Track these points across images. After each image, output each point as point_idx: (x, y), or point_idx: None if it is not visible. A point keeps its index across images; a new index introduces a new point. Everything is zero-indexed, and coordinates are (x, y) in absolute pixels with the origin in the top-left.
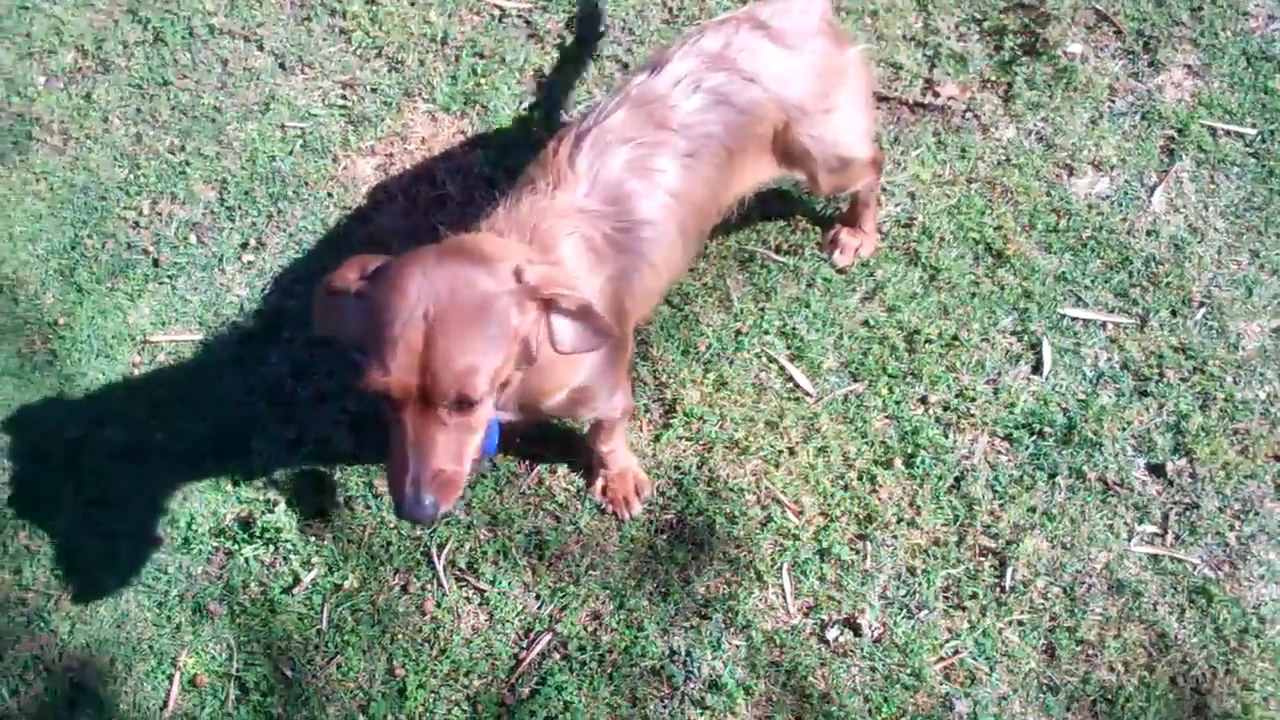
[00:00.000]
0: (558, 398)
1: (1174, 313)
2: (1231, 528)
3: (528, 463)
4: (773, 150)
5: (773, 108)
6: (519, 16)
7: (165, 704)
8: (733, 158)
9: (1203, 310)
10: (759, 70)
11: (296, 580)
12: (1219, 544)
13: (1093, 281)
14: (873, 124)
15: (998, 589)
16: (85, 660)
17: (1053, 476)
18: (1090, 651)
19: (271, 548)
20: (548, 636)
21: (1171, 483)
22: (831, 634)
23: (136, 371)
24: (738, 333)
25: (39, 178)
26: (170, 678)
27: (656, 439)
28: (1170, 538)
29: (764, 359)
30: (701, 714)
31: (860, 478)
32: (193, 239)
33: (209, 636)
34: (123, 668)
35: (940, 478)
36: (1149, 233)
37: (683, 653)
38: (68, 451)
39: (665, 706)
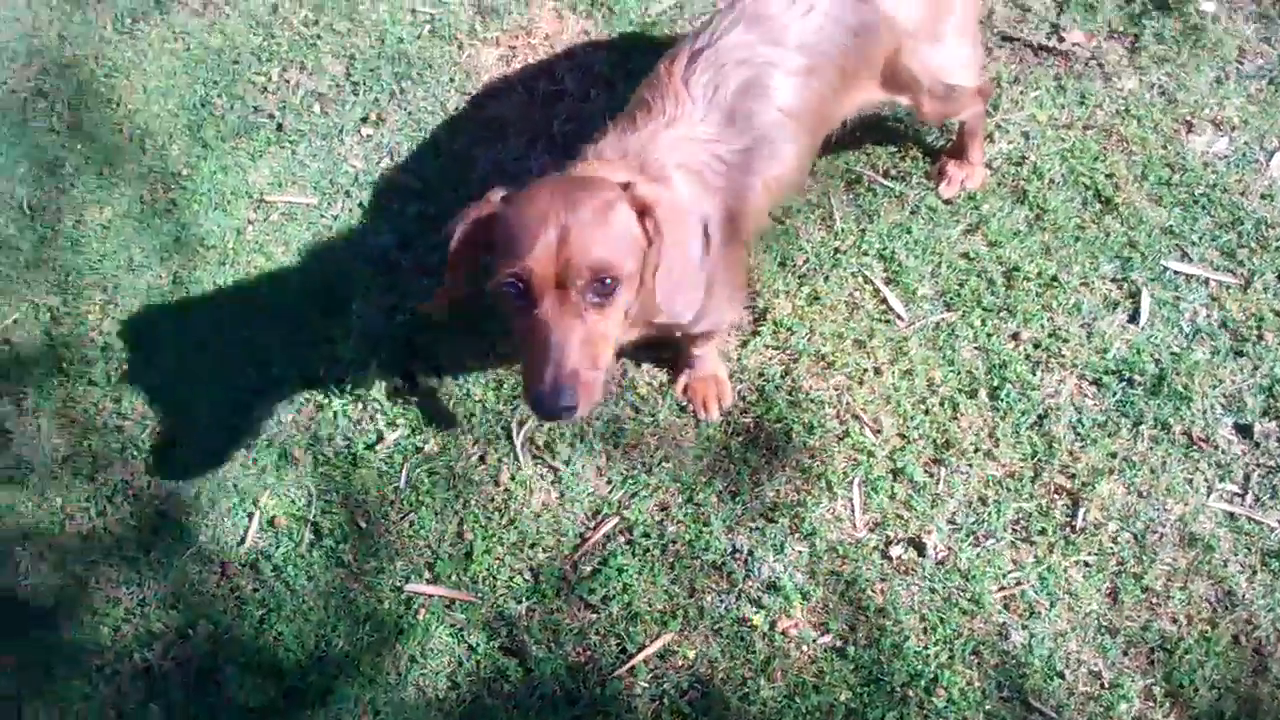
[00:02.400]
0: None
1: None
2: None
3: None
4: (881, 73)
5: (885, 31)
6: None
7: (243, 540)
8: (844, 78)
9: None
10: None
11: (380, 438)
12: None
13: (1200, 238)
14: (979, 54)
15: (1068, 528)
16: (172, 491)
17: (1137, 425)
18: (1154, 600)
19: (360, 405)
20: (615, 520)
21: (1258, 444)
22: (895, 551)
23: (250, 228)
24: (836, 250)
25: (177, 37)
26: (250, 516)
27: (744, 345)
28: (1250, 498)
29: (860, 279)
30: (757, 612)
31: (942, 404)
32: (317, 108)
33: (291, 481)
34: (206, 502)
35: (1024, 413)
36: (1264, 196)
37: (745, 552)
38: (177, 296)
39: (722, 601)
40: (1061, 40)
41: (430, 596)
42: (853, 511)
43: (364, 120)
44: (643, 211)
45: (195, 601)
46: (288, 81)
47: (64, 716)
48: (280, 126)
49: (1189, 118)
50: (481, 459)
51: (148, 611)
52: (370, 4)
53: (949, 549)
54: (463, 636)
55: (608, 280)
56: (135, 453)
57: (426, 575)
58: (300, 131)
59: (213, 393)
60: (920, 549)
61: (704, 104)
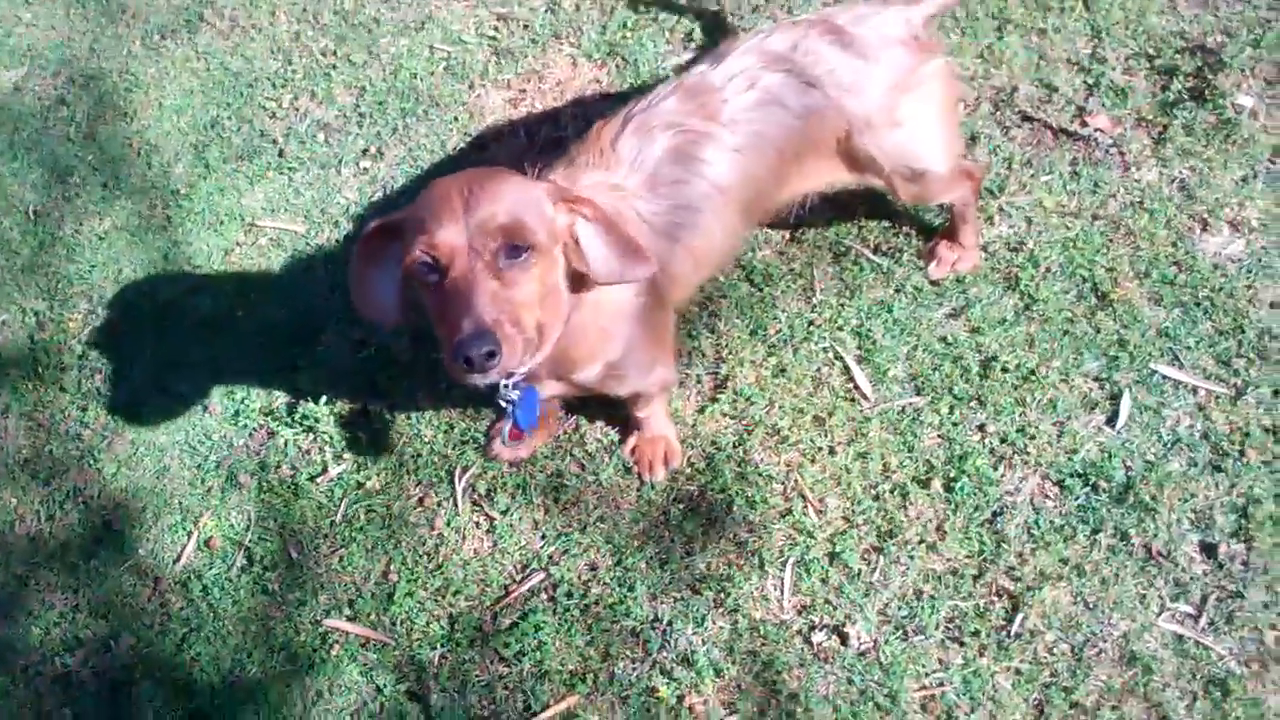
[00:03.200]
0: (592, 369)
1: (1276, 393)
2: (1273, 626)
3: (566, 409)
4: (838, 155)
5: (833, 115)
6: None
7: (179, 557)
8: (784, 159)
9: None
10: (822, 76)
11: (324, 470)
12: (1254, 640)
13: (1196, 343)
14: (955, 137)
15: (1003, 632)
16: (121, 503)
17: (1096, 532)
18: (1082, 717)
19: (310, 435)
20: (541, 575)
21: (1221, 565)
22: (818, 637)
23: (237, 250)
24: (811, 323)
25: (200, 56)
26: (189, 534)
27: (701, 410)
28: (1204, 621)
29: (830, 354)
30: (667, 684)
31: (893, 490)
32: (320, 137)
33: (233, 505)
34: (151, 516)
35: (977, 508)
36: (1274, 305)
37: (665, 621)
38: (157, 312)
39: (634, 669)
40: (1085, 124)
41: (346, 634)
42: (781, 592)
43: (364, 153)
44: (565, 203)
45: (124, 613)
46: (297, 109)
47: None
48: (282, 153)
49: (1205, 216)
50: (420, 501)
51: (78, 618)
52: (390, 38)
53: (874, 640)
54: (371, 676)
55: (520, 246)
56: (91, 461)
57: (347, 612)
58: (300, 159)
59: (174, 409)
60: (844, 637)
61: (628, 165)
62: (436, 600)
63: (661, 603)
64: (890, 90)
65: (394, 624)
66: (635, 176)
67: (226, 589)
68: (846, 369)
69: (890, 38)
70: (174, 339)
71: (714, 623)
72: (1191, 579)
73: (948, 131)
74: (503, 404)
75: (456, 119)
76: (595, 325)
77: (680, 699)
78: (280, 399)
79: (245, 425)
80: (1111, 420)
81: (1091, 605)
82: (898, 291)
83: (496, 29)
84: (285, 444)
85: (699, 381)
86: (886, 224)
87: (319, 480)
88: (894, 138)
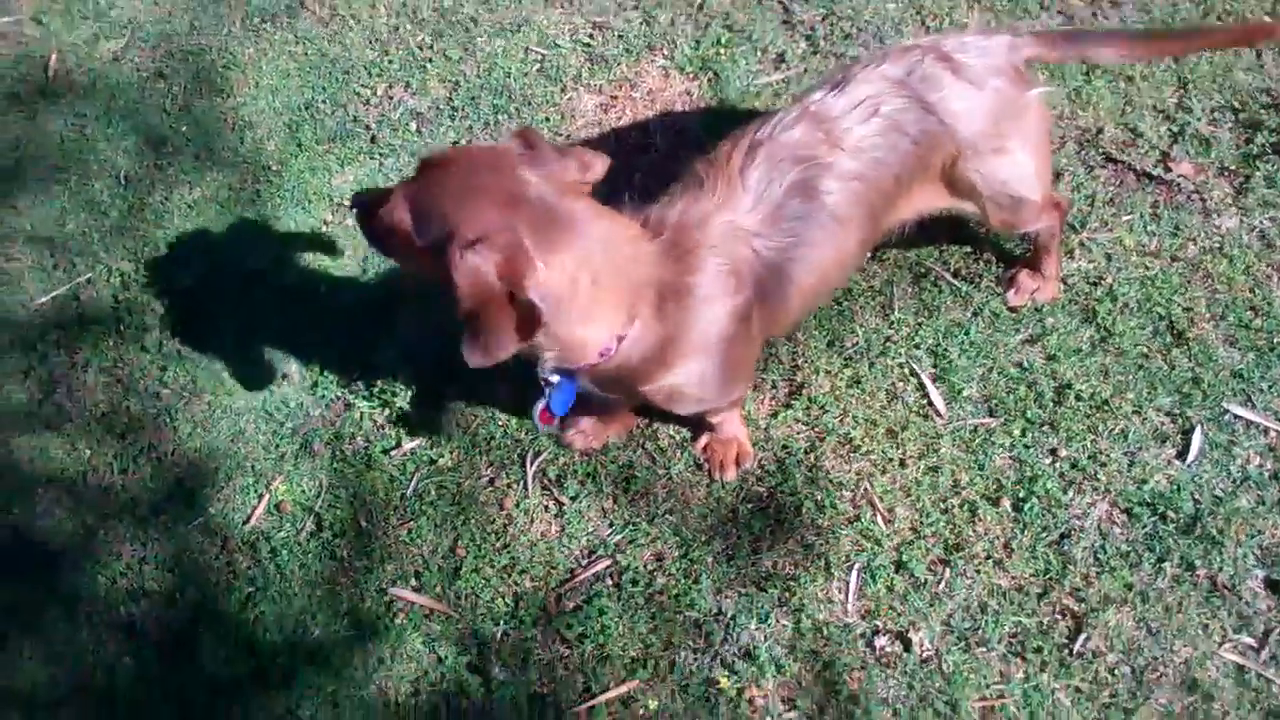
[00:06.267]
0: (655, 385)
1: None
2: None
3: (637, 410)
4: (941, 180)
5: (945, 140)
6: (779, 2)
7: (248, 519)
8: (899, 184)
9: None
10: (937, 102)
11: (398, 444)
12: None
13: (1270, 386)
14: (1047, 167)
15: (1066, 650)
16: (194, 462)
17: (1161, 561)
18: None
19: (385, 409)
20: (607, 561)
21: None
22: (880, 641)
23: (324, 228)
24: (888, 339)
25: (299, 41)
26: (260, 497)
27: (774, 415)
28: (1265, 654)
29: (906, 371)
30: (728, 676)
31: (962, 506)
32: (413, 126)
33: (305, 472)
34: (223, 477)
35: (1045, 529)
36: None
37: (728, 615)
38: (241, 281)
39: (695, 659)
40: (1168, 169)
41: (411, 603)
42: (846, 595)
43: (455, 144)
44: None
45: (190, 569)
46: (390, 98)
47: (45, 655)
48: (374, 139)
49: None
50: (491, 481)
51: (144, 570)
52: (487, 38)
53: (936, 649)
54: (434, 647)
55: None
56: (168, 420)
57: (413, 583)
58: (392, 146)
59: (253, 375)
60: (906, 644)
61: (754, 196)
62: (502, 578)
63: (726, 597)
64: (995, 118)
65: (459, 598)
66: (759, 210)
67: (295, 552)
68: (921, 386)
69: (995, 66)
70: (257, 309)
71: (777, 620)
72: (1255, 613)
73: (1043, 162)
74: (541, 383)
75: (548, 119)
76: (672, 344)
77: (740, 691)
78: (358, 373)
79: (323, 396)
80: (1182, 454)
81: (1154, 631)
82: (975, 315)
83: (592, 36)
84: (361, 417)
85: (774, 387)
86: (968, 250)
87: (392, 454)
88: (996, 164)
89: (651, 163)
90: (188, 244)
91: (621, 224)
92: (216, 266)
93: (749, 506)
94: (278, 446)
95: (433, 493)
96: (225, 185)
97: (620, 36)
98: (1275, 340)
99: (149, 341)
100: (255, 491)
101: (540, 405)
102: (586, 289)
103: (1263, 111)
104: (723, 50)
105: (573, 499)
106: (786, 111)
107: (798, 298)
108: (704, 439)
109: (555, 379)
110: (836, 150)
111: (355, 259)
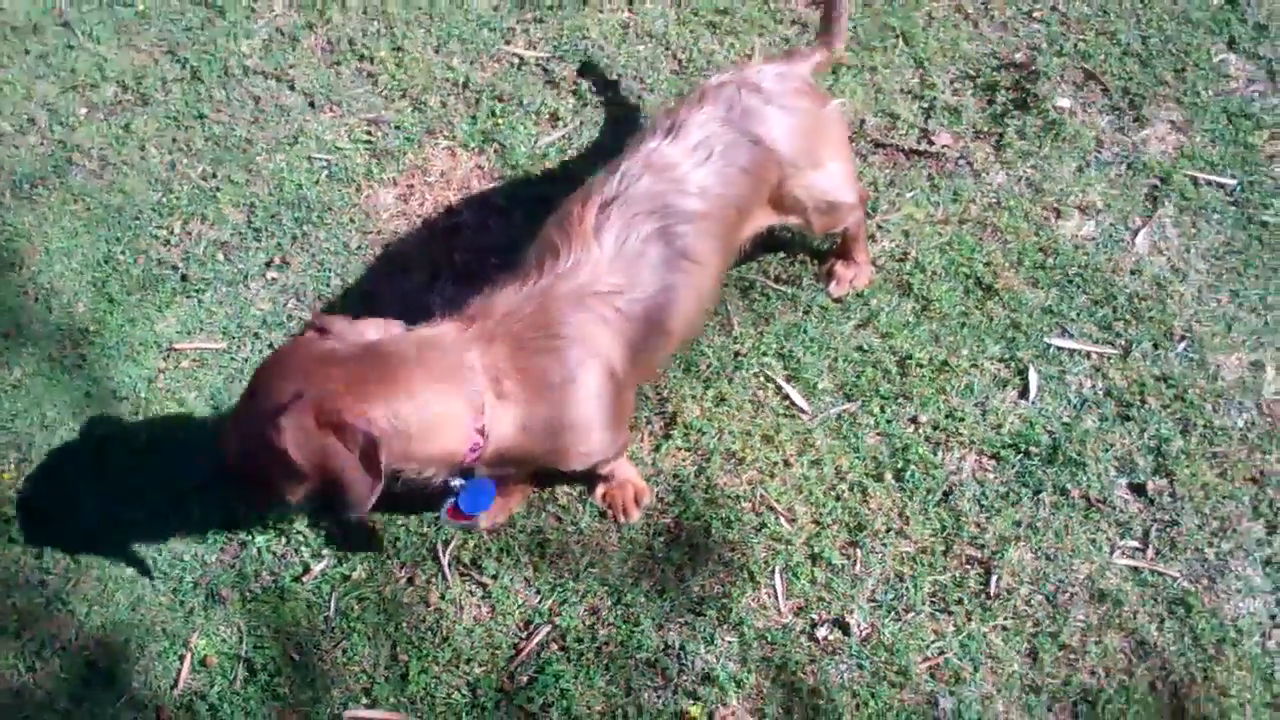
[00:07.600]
0: (562, 461)
1: (1156, 345)
2: (1210, 544)
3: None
4: (769, 202)
5: (773, 165)
6: (537, 64)
7: (176, 683)
8: (741, 215)
9: (1184, 343)
10: (760, 131)
11: (306, 569)
12: (1198, 559)
13: (1078, 315)
14: (853, 169)
15: (983, 595)
16: (101, 640)
17: (1037, 493)
18: (1071, 656)
19: (283, 539)
20: (547, 628)
21: (1152, 501)
22: (821, 632)
23: (161, 376)
24: (737, 354)
25: (76, 198)
26: (181, 658)
27: (657, 449)
28: (1151, 552)
29: (762, 378)
30: (694, 704)
31: (851, 489)
32: (220, 256)
33: (220, 620)
34: (136, 648)
35: (929, 491)
36: (1133, 272)
37: (677, 647)
38: (92, 448)
39: (659, 696)
40: (931, 143)
41: None
42: (776, 598)
43: (268, 264)
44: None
45: None
46: (189, 233)
47: None
48: (185, 277)
49: (1056, 205)
50: (410, 581)
51: None
52: (267, 155)
53: (872, 626)
54: None
55: None
56: (60, 605)
57: (364, 700)
58: (205, 280)
59: (134, 540)
60: (845, 628)
61: (612, 254)
62: (451, 671)
63: (669, 630)
64: (808, 135)
65: (414, 702)
66: (618, 267)
67: (235, 703)
68: (779, 389)
69: (796, 89)
70: (117, 472)
71: (723, 639)
72: (1131, 517)
73: (850, 165)
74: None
75: (353, 220)
76: (558, 423)
77: (710, 715)
78: (242, 510)
79: (214, 541)
80: (1024, 393)
81: (1052, 557)
82: (807, 313)
83: (369, 132)
84: (260, 552)
85: (649, 423)
86: (782, 255)
87: (303, 579)
88: (814, 177)
89: (466, 241)
90: (24, 425)
91: (430, 331)
92: (62, 440)
93: (662, 540)
94: (183, 603)
95: (355, 607)
96: (44, 357)
97: (397, 128)
98: (1071, 273)
99: (15, 533)
100: (174, 654)
101: (448, 504)
102: (412, 403)
103: (995, 73)
104: (499, 120)
105: (494, 577)
106: (629, 164)
107: (669, 343)
108: (600, 488)
109: (457, 482)
110: (686, 195)
111: (204, 399)
